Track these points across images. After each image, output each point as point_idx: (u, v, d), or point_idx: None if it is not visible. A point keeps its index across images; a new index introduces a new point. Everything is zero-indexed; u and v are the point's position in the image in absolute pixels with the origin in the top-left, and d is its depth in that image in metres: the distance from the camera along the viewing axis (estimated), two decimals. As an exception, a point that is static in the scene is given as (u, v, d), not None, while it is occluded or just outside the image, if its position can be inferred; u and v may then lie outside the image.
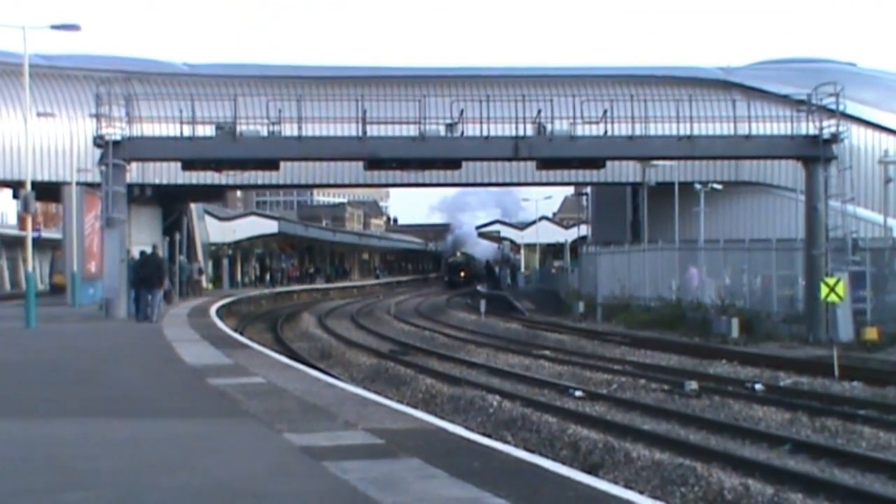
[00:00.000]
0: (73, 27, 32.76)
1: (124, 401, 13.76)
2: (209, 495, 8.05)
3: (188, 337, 25.13)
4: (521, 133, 34.10)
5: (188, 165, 36.52)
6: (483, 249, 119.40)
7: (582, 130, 34.77)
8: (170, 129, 34.30)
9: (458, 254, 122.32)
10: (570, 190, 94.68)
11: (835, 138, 33.22)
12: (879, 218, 46.34)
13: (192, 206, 61.65)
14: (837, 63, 59.00)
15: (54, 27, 32.78)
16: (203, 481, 8.51)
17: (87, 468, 9.03)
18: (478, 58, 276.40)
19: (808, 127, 33.68)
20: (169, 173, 46.86)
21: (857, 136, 49.56)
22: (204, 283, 61.55)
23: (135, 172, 40.81)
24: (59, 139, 49.66)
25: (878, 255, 33.13)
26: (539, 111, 34.51)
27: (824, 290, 26.97)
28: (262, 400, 13.22)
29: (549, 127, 34.24)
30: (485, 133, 33.99)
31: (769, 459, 14.92)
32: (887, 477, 13.80)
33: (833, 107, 33.29)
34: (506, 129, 34.33)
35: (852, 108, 44.84)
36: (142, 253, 33.50)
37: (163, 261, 35.50)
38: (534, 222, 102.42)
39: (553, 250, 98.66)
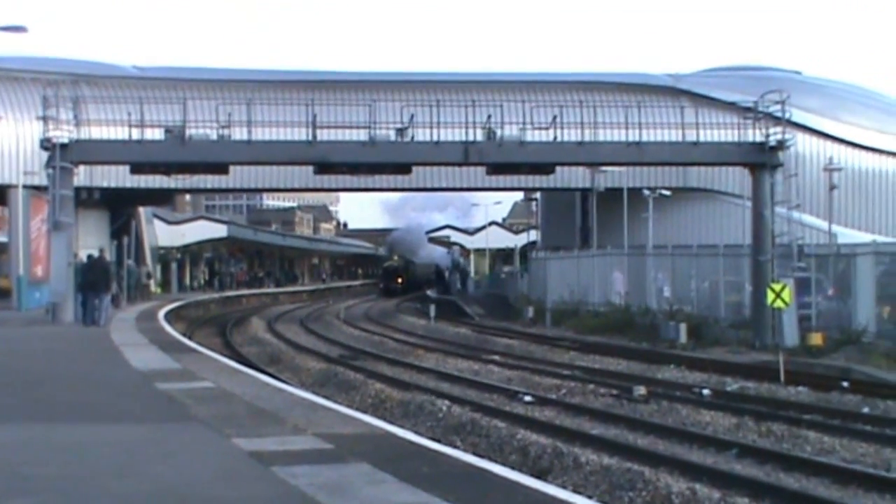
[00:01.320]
0: (19, 29, 32.42)
1: (71, 405, 13.64)
2: (157, 501, 8.01)
3: (136, 341, 24.95)
4: (471, 138, 34.17)
5: (137, 169, 36.24)
6: (434, 254, 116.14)
7: (532, 136, 34.88)
8: (118, 133, 34.03)
9: (395, 258, 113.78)
10: (520, 195, 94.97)
11: (781, 145, 33.60)
12: (824, 224, 46.98)
13: (141, 209, 61.19)
14: (783, 71, 59.75)
15: (0, 29, 32.43)
16: (151, 487, 8.46)
17: (33, 474, 8.94)
18: (428, 63, 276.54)
19: (754, 134, 34.01)
20: (117, 177, 46.45)
21: (803, 144, 50.11)
22: (152, 287, 61.10)
23: (82, 175, 40.39)
24: (5, 141, 49.14)
25: (822, 262, 33.54)
26: (489, 116, 34.60)
27: (770, 296, 27.23)
28: (210, 405, 13.16)
29: (498, 132, 34.32)
30: (435, 138, 34.00)
31: (716, 464, 15.07)
32: (831, 481, 13.99)
33: (779, 114, 33.66)
34: (456, 135, 34.39)
35: (798, 116, 45.46)
36: (89, 256, 33.21)
37: (110, 264, 35.23)
38: (484, 227, 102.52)
39: (503, 255, 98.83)
